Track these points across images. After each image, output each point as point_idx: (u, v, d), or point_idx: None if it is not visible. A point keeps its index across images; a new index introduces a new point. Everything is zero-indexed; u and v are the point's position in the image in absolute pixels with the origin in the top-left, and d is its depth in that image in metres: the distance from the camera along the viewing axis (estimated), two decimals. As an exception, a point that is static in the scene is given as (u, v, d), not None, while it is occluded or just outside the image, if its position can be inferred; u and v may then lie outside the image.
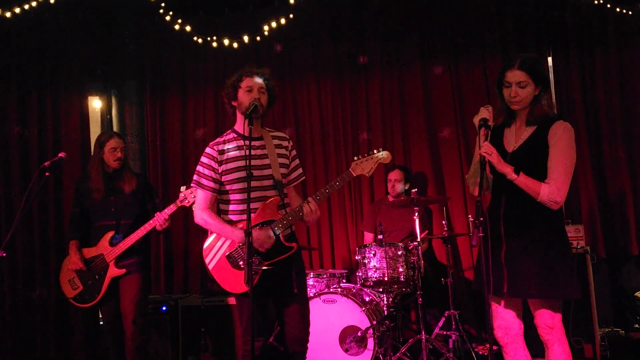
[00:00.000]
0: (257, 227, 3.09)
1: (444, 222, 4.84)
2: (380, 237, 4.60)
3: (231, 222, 3.17)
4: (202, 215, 3.20)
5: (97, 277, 4.14)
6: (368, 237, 5.40)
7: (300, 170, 3.39)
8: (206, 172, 3.18)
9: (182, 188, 4.14)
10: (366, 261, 4.56)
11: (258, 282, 3.06)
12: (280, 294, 3.19)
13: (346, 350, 4.38)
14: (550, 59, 5.48)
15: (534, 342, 2.98)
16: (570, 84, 5.40)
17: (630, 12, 5.20)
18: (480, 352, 4.69)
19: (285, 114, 5.92)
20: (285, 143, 3.31)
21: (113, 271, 4.11)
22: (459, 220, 5.48)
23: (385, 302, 4.68)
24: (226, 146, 3.19)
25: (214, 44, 5.68)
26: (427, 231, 5.16)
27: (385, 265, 4.47)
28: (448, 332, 4.56)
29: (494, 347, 2.78)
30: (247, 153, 2.97)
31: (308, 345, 3.23)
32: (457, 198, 5.46)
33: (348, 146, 5.77)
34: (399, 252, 4.51)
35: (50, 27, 5.76)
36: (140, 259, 4.20)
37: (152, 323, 4.81)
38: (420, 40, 5.70)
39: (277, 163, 3.21)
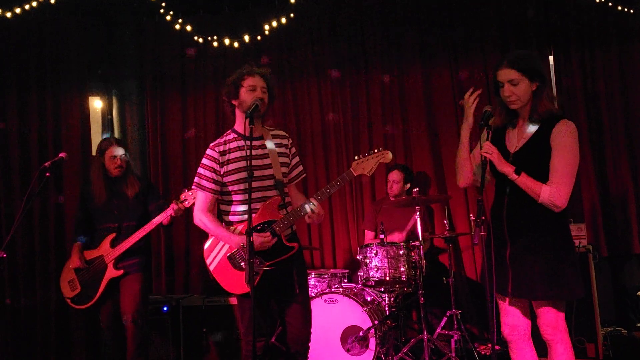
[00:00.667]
0: (258, 228, 3.08)
1: (445, 221, 4.83)
2: (381, 236, 4.59)
3: (231, 224, 3.17)
4: (201, 218, 3.20)
5: (95, 278, 4.15)
6: (369, 236, 5.39)
7: (300, 168, 3.38)
8: (207, 173, 3.17)
9: (185, 191, 4.14)
10: (368, 261, 4.55)
11: (259, 283, 3.05)
12: (281, 294, 3.19)
13: (348, 350, 4.37)
14: (551, 58, 5.47)
15: (537, 342, 2.97)
16: (572, 83, 5.38)
17: (632, 11, 5.18)
18: (483, 352, 4.68)
19: (286, 113, 5.91)
20: (285, 141, 3.30)
21: (111, 272, 4.12)
22: (461, 219, 5.46)
23: (386, 302, 4.67)
24: (227, 147, 3.18)
25: (215, 44, 5.66)
26: (427, 232, 5.15)
27: (386, 265, 4.46)
28: (450, 332, 4.55)
29: (497, 347, 2.76)
30: (248, 153, 2.96)
31: (310, 345, 3.22)
32: (459, 197, 5.44)
33: (349, 145, 5.76)
34: (401, 252, 4.50)
35: (51, 27, 5.76)
36: (141, 259, 4.21)
37: (154, 323, 4.80)
38: (421, 40, 5.69)
39: (278, 162, 3.20)
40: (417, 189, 4.63)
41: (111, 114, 6.20)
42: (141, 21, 6.11)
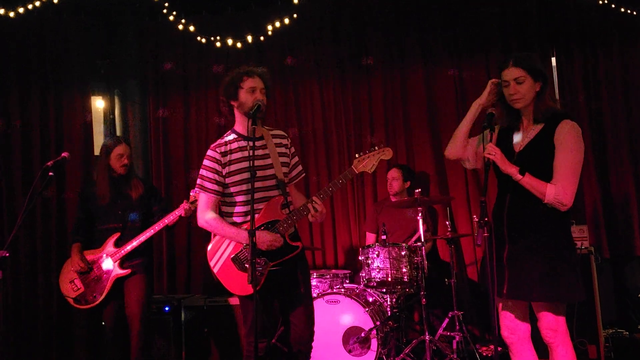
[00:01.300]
0: (262, 228, 3.08)
1: (447, 222, 4.83)
2: (383, 237, 4.59)
3: (235, 224, 3.17)
4: (205, 218, 3.18)
5: (99, 278, 4.15)
6: (370, 237, 5.39)
7: (300, 168, 3.39)
8: (209, 175, 3.16)
9: (193, 190, 4.14)
10: (370, 262, 4.55)
11: (264, 283, 3.05)
12: (285, 294, 3.19)
13: (349, 351, 4.37)
14: (554, 60, 5.47)
15: (539, 344, 2.96)
16: (574, 85, 5.38)
17: (634, 12, 5.18)
18: (484, 354, 4.68)
19: (288, 113, 5.91)
20: (284, 141, 3.30)
21: (117, 272, 4.12)
22: (463, 220, 5.46)
23: (388, 303, 4.67)
24: (228, 147, 3.18)
25: (218, 44, 5.67)
26: (429, 232, 5.15)
27: (388, 266, 4.46)
28: (452, 333, 4.55)
29: (499, 349, 2.76)
30: (250, 154, 2.96)
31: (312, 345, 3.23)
32: (461, 198, 5.44)
33: (351, 145, 5.76)
34: (403, 253, 4.50)
35: (53, 27, 5.77)
36: (144, 260, 4.23)
37: (155, 323, 4.81)
38: (423, 40, 5.69)
39: (279, 162, 3.20)
40: (419, 189, 4.62)
41: (113, 114, 6.20)
42: (143, 21, 6.11)
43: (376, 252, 4.52)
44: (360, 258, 4.67)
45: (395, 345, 4.50)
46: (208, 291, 5.40)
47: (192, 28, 5.62)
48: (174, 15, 5.56)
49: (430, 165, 5.61)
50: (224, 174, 3.15)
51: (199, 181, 3.20)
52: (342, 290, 4.59)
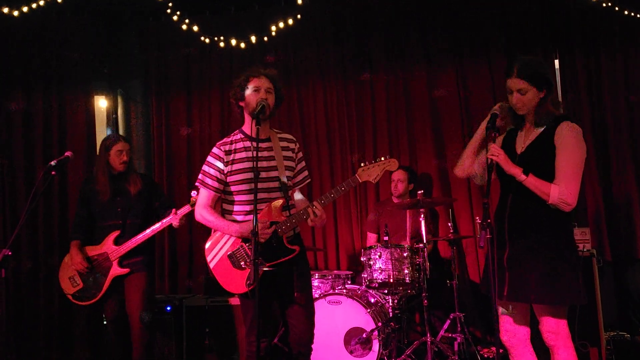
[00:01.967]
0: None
1: (449, 224, 4.83)
2: (385, 238, 4.59)
3: (235, 222, 3.17)
4: (200, 212, 3.22)
5: (98, 275, 4.16)
6: (371, 237, 5.39)
7: (306, 173, 3.40)
8: (211, 171, 3.19)
9: (193, 193, 4.15)
10: (371, 263, 4.55)
11: (260, 284, 3.05)
12: (283, 295, 3.19)
13: (351, 352, 4.37)
14: (557, 62, 5.46)
15: (539, 345, 2.96)
16: (577, 87, 5.37)
17: (638, 15, 5.17)
18: (486, 355, 4.68)
19: (291, 115, 5.91)
20: (292, 145, 3.31)
21: (116, 270, 4.13)
22: (465, 222, 5.46)
23: (390, 304, 4.67)
24: (233, 146, 3.20)
25: (221, 44, 5.67)
26: (430, 233, 5.15)
27: (390, 267, 4.47)
28: (453, 335, 4.55)
29: (500, 351, 2.76)
30: (254, 154, 2.97)
31: (312, 346, 3.23)
32: (463, 200, 5.44)
33: (354, 148, 5.75)
34: (405, 254, 4.50)
35: (56, 27, 5.77)
36: (145, 258, 4.22)
37: (157, 323, 4.81)
38: (425, 43, 5.69)
39: (283, 165, 3.21)
40: (422, 191, 4.62)
41: (116, 114, 6.22)
42: (146, 21, 6.12)
43: (378, 253, 4.52)
44: (362, 259, 4.67)
45: (397, 347, 4.50)
46: (209, 291, 5.40)
47: (195, 28, 5.63)
48: (177, 15, 5.56)
49: (432, 168, 5.60)
50: (225, 172, 3.17)
51: (200, 176, 3.23)
52: (344, 291, 4.59)
